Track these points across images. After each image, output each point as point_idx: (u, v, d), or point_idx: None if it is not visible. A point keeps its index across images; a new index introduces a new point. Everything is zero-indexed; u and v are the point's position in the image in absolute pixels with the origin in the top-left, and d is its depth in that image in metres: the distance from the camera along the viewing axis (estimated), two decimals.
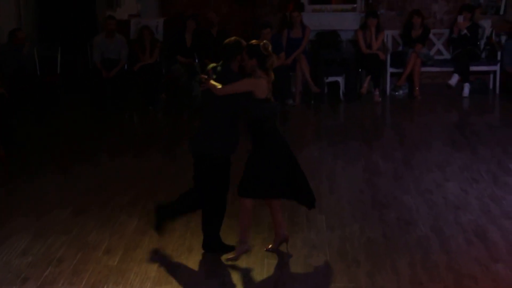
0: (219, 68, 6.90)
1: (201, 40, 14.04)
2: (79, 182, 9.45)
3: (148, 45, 13.95)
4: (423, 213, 8.08)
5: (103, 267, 6.87)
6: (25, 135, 11.81)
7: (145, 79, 13.72)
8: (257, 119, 6.73)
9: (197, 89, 13.79)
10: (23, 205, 8.63)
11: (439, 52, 14.97)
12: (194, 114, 12.34)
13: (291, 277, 6.63)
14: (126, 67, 13.99)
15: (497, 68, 14.40)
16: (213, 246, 7.11)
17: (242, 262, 6.89)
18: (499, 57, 14.36)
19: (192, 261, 6.98)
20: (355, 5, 14.93)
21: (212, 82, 6.77)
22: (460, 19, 14.33)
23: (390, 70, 14.42)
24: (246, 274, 6.70)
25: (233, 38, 6.95)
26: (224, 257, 6.98)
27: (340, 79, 14.12)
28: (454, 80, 14.23)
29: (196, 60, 13.99)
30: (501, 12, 14.99)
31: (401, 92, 14.51)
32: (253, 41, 6.80)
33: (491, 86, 14.67)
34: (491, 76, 14.67)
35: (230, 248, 7.06)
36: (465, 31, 14.31)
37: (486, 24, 14.69)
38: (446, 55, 14.88)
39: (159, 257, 7.07)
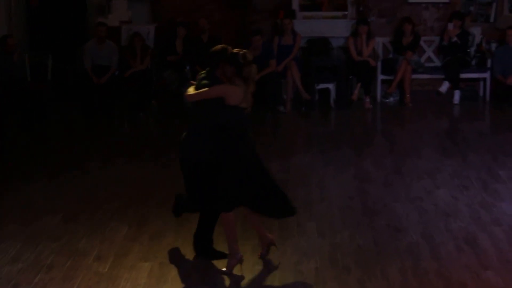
0: (203, 75, 6.91)
1: (192, 46, 14.05)
2: (69, 189, 9.42)
3: (139, 52, 13.95)
4: (413, 220, 8.09)
5: (93, 274, 6.85)
6: (15, 141, 11.80)
7: (136, 86, 13.71)
8: (223, 125, 6.74)
9: None
10: (13, 212, 8.59)
11: (429, 59, 15.00)
12: (185, 120, 12.32)
13: (281, 284, 6.62)
14: (117, 73, 13.99)
15: (487, 75, 14.44)
16: (204, 251, 7.11)
17: (234, 269, 6.86)
18: (489, 65, 14.40)
19: (183, 267, 6.98)
20: (346, 12, 14.96)
21: (189, 88, 6.82)
22: (451, 26, 14.37)
23: (380, 77, 14.45)
24: (237, 281, 6.69)
25: (220, 45, 6.96)
26: (215, 264, 6.99)
27: (331, 86, 14.13)
28: (444, 87, 14.26)
29: (187, 67, 13.99)
30: (491, 19, 15.03)
31: (391, 99, 14.54)
32: (235, 50, 6.79)
33: (481, 93, 14.69)
34: (481, 83, 14.70)
35: (221, 255, 7.06)
36: (456, 38, 14.35)
37: (476, 32, 14.73)
38: (437, 62, 14.90)
39: (149, 264, 7.04)
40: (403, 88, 14.31)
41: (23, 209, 8.69)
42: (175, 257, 7.21)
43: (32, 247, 7.45)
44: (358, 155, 10.88)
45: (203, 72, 7.00)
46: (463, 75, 14.34)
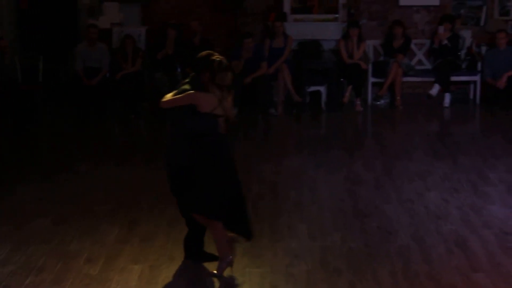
0: (188, 79, 6.92)
1: (184, 49, 14.05)
2: (60, 191, 9.39)
3: (130, 54, 13.94)
4: (404, 222, 8.10)
5: (84, 276, 6.84)
6: (6, 143, 11.78)
7: (127, 88, 13.69)
8: (196, 132, 6.75)
9: None
10: (3, 214, 8.56)
11: (420, 62, 15.03)
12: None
13: (272, 286, 6.61)
14: (108, 75, 13.98)
15: (477, 78, 14.48)
16: (195, 254, 7.11)
17: (224, 271, 6.86)
18: (479, 68, 14.44)
19: (174, 270, 6.96)
20: (337, 15, 14.97)
21: (168, 94, 6.83)
22: (441, 29, 14.40)
23: (371, 79, 14.47)
24: (227, 283, 6.69)
25: (206, 51, 6.96)
26: (206, 266, 6.99)
27: (322, 89, 14.14)
28: (435, 90, 14.28)
29: (178, 69, 14.00)
30: (481, 23, 15.07)
31: (382, 101, 14.56)
32: (215, 56, 6.78)
33: (471, 96, 14.74)
34: (472, 86, 14.74)
35: (212, 257, 7.06)
36: (446, 41, 14.38)
37: (467, 35, 14.77)
38: (427, 65, 14.94)
39: (140, 266, 7.03)
40: (393, 90, 14.34)
41: (13, 211, 8.66)
42: (166, 259, 7.18)
43: (22, 250, 7.43)
44: (349, 157, 10.89)
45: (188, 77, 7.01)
46: (454, 78, 14.37)
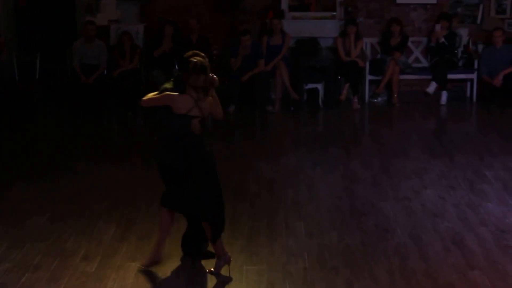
0: (173, 78, 6.93)
1: (181, 46, 14.03)
2: (56, 189, 9.37)
3: (128, 51, 13.93)
4: (401, 220, 8.11)
5: (80, 274, 6.84)
6: (2, 142, 11.78)
7: (124, 85, 13.68)
8: (169, 132, 6.77)
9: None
10: None
11: (417, 60, 15.04)
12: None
13: (270, 283, 6.62)
14: (105, 72, 13.97)
15: (474, 76, 14.49)
16: (193, 251, 7.12)
17: (221, 269, 6.87)
18: (476, 66, 14.45)
19: (171, 268, 6.96)
20: (334, 13, 14.96)
21: (150, 94, 6.85)
22: (438, 27, 14.41)
23: (369, 77, 14.47)
24: (224, 281, 6.70)
25: (191, 51, 6.96)
26: (203, 264, 7.00)
27: (319, 86, 14.14)
28: (432, 87, 14.29)
29: (176, 67, 13.99)
30: (478, 21, 15.07)
31: (379, 99, 14.57)
32: (195, 58, 6.76)
33: (468, 94, 14.74)
34: (468, 84, 14.74)
35: (210, 255, 7.06)
36: (443, 39, 14.39)
37: (464, 33, 14.78)
38: (424, 63, 14.95)
39: (137, 264, 7.03)
40: (391, 88, 14.34)
41: (9, 209, 8.64)
42: (163, 257, 7.13)
43: (18, 247, 7.42)
44: (346, 155, 10.88)
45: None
46: (450, 76, 14.38)
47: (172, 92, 6.71)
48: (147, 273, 6.86)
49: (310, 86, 14.17)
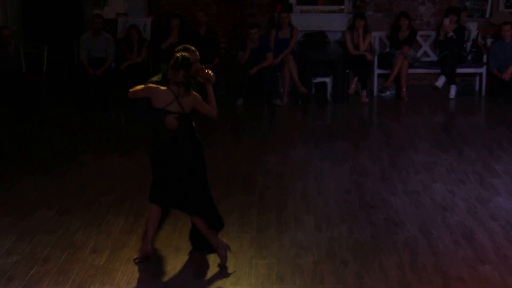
0: (163, 71, 6.91)
1: (189, 40, 14.02)
2: (64, 182, 9.38)
3: (135, 44, 13.95)
4: (410, 214, 8.09)
5: (89, 267, 6.84)
6: (10, 134, 11.80)
7: (132, 78, 13.66)
8: (154, 127, 6.78)
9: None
10: (8, 205, 8.54)
11: (426, 54, 15.05)
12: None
13: (279, 277, 6.61)
14: (113, 65, 13.98)
15: (483, 70, 14.48)
16: (201, 244, 7.12)
17: (230, 262, 6.87)
18: (484, 60, 14.42)
19: (180, 261, 6.96)
20: (342, 7, 14.97)
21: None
22: (446, 21, 14.40)
23: (377, 71, 14.46)
24: (233, 274, 6.69)
25: (182, 45, 6.93)
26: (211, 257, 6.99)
27: (327, 80, 14.14)
28: (440, 81, 14.28)
29: None
30: (487, 15, 15.06)
31: (388, 93, 14.56)
32: (181, 52, 6.68)
33: (477, 88, 14.75)
34: (477, 78, 14.74)
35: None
36: (451, 33, 14.37)
37: (472, 27, 14.76)
38: (433, 57, 14.94)
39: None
40: (399, 82, 14.33)
41: (18, 202, 8.64)
42: (172, 250, 7.18)
43: (27, 240, 7.43)
44: (354, 149, 10.89)
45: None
46: (459, 70, 14.39)
47: (154, 85, 6.69)
48: (156, 266, 6.86)
49: (318, 79, 14.18)
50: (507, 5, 15.03)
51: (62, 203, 8.51)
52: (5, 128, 11.84)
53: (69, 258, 7.01)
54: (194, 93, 6.73)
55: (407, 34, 14.42)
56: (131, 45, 13.94)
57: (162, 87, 6.66)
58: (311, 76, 14.03)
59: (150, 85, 6.72)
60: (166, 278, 6.64)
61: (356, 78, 14.18)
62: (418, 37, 14.78)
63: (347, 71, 14.30)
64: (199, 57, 6.85)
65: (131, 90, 6.86)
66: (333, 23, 14.82)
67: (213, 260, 6.93)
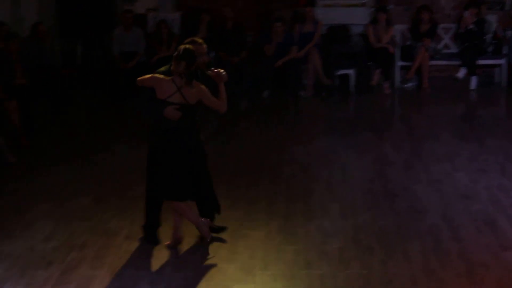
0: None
1: (216, 34, 14.21)
2: (99, 171, 9.63)
3: (165, 38, 14.09)
4: (433, 202, 8.22)
5: (124, 253, 7.03)
6: (47, 126, 12.02)
7: None
8: (147, 117, 7.01)
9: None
10: (45, 192, 8.79)
11: (446, 46, 15.09)
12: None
13: (306, 262, 6.75)
14: (143, 59, 14.11)
15: (503, 62, 14.54)
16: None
17: (259, 248, 7.05)
18: (504, 51, 14.50)
19: (210, 246, 7.12)
20: (364, 1, 15.04)
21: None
22: (467, 14, 14.43)
23: (399, 63, 14.55)
24: (262, 259, 6.84)
25: (190, 38, 7.13)
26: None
27: (350, 72, 14.27)
28: (461, 73, 14.37)
29: (212, 54, 14.18)
30: (507, 7, 15.11)
31: (410, 84, 14.63)
32: (185, 45, 6.89)
33: (497, 79, 14.80)
34: (498, 69, 14.80)
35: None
36: (472, 26, 14.42)
37: (492, 19, 14.79)
38: (454, 49, 14.99)
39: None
40: (421, 74, 14.41)
41: (55, 190, 8.88)
42: (200, 237, 7.32)
43: (64, 227, 7.65)
44: (378, 139, 11.03)
45: None
46: (480, 62, 14.45)
47: (160, 75, 6.87)
48: (187, 252, 7.05)
49: (342, 72, 14.32)
50: None
51: (97, 191, 8.75)
52: (42, 120, 12.00)
53: (104, 244, 7.22)
54: (201, 86, 6.88)
55: (428, 27, 14.49)
56: (161, 39, 14.09)
57: (166, 78, 6.83)
58: (334, 68, 14.18)
59: (156, 75, 6.90)
60: (197, 263, 6.79)
61: (378, 70, 14.29)
62: (439, 30, 14.84)
63: (370, 63, 14.42)
64: (206, 50, 7.05)
65: (139, 78, 7.05)
66: (355, 16, 14.91)
67: (242, 246, 7.11)
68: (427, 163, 9.69)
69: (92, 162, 10.03)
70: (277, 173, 9.40)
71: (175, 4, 15.33)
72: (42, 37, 12.88)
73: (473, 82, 14.30)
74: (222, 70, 7.00)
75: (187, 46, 6.83)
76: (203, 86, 6.89)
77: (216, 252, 7.03)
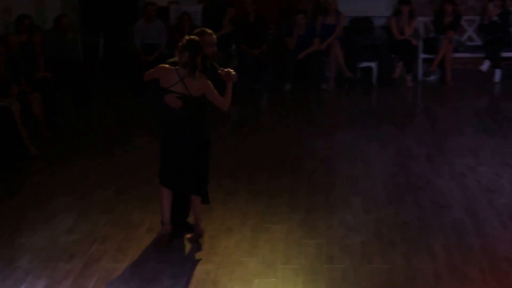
0: None
1: (238, 26, 14.19)
2: (120, 163, 9.64)
3: (187, 31, 14.03)
4: (457, 196, 8.19)
5: (146, 245, 7.03)
6: (68, 118, 12.06)
7: None
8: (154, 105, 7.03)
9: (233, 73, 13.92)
10: (67, 185, 8.83)
11: (470, 38, 15.02)
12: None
13: (328, 256, 6.74)
14: (165, 52, 14.12)
15: None
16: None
17: (280, 242, 7.04)
18: None
19: (232, 240, 7.13)
20: None
21: None
22: (491, 6, 14.35)
23: (422, 56, 14.48)
24: (284, 253, 6.83)
25: (199, 29, 7.17)
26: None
27: (373, 65, 14.22)
28: (485, 66, 14.29)
29: (233, 46, 14.18)
30: None
31: (433, 77, 14.58)
32: (192, 36, 6.90)
33: None
34: None
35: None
36: (496, 18, 14.33)
37: None
38: (478, 42, 14.91)
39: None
40: (444, 66, 14.34)
41: (77, 182, 8.93)
42: (224, 229, 7.37)
43: (87, 219, 7.68)
44: (400, 132, 11.00)
45: None
46: (504, 54, 14.34)
47: (166, 65, 6.89)
48: (209, 245, 7.04)
49: (364, 64, 14.28)
50: None
51: (119, 183, 8.78)
52: (64, 113, 12.05)
53: (126, 237, 7.24)
54: (205, 79, 6.84)
55: (451, 19, 14.42)
56: (183, 32, 14.06)
57: (171, 68, 6.84)
58: (356, 61, 14.14)
59: (161, 65, 6.92)
60: (219, 257, 6.78)
61: (401, 63, 14.23)
62: (462, 22, 14.76)
63: (392, 56, 14.36)
64: (215, 41, 7.04)
65: (146, 72, 7.08)
66: (378, 8, 14.88)
67: (264, 240, 7.11)
68: (451, 156, 9.65)
69: (113, 154, 10.05)
70: (298, 166, 9.39)
71: None
72: (65, 30, 12.90)
73: (497, 75, 14.22)
74: (232, 70, 6.97)
75: (192, 37, 6.86)
76: (208, 81, 6.85)
77: (237, 245, 7.03)
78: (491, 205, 7.89)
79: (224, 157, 9.61)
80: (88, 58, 14.18)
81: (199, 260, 6.74)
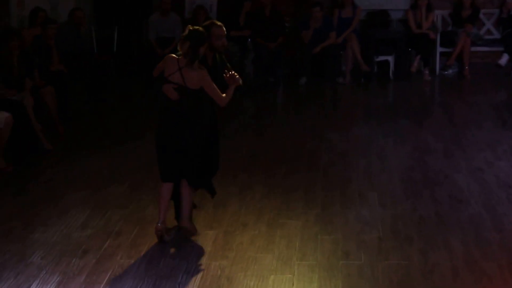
0: None
1: (254, 20, 14.14)
2: (134, 158, 9.60)
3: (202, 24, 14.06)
4: (474, 191, 8.11)
5: (159, 241, 6.96)
6: (82, 112, 12.04)
7: None
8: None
9: (249, 67, 13.89)
10: (81, 180, 8.81)
11: (489, 32, 14.93)
12: (245, 91, 12.24)
13: (344, 252, 6.69)
14: None
15: None
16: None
17: (296, 238, 6.98)
18: None
19: (247, 236, 7.08)
20: None
21: None
22: None
23: (440, 49, 14.42)
24: (299, 249, 6.78)
25: (209, 21, 7.12)
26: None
27: (390, 58, 14.17)
28: (504, 59, 14.20)
29: (249, 39, 14.12)
30: None
31: (450, 71, 14.51)
32: (197, 27, 6.86)
33: None
34: None
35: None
36: None
37: None
38: (496, 35, 14.83)
39: (214, 232, 7.17)
40: (462, 60, 14.27)
41: (90, 177, 8.90)
42: (239, 225, 7.32)
43: (100, 214, 7.64)
44: (417, 126, 10.93)
45: None
46: None
47: (172, 54, 6.85)
48: (224, 240, 6.99)
49: (381, 58, 14.23)
50: None
51: (132, 178, 8.74)
52: (77, 107, 12.05)
53: (140, 232, 7.19)
54: (204, 72, 6.75)
55: (470, 12, 14.33)
56: (198, 25, 14.03)
57: (175, 56, 6.81)
58: (373, 54, 14.09)
59: (169, 54, 6.89)
60: (233, 253, 6.74)
61: (418, 57, 14.18)
62: (481, 15, 14.68)
63: (410, 49, 14.30)
64: (225, 33, 6.97)
65: (155, 68, 7.05)
66: (395, 1, 14.81)
67: (279, 236, 7.05)
68: (468, 151, 9.58)
69: (127, 149, 10.02)
70: (314, 161, 9.34)
71: None
72: (78, 23, 12.90)
73: None
74: (236, 74, 6.90)
75: (196, 27, 6.80)
76: (206, 73, 6.76)
77: (253, 241, 6.98)
78: (510, 200, 7.81)
79: (239, 151, 9.58)
80: (102, 51, 14.15)
81: (214, 256, 6.68)
